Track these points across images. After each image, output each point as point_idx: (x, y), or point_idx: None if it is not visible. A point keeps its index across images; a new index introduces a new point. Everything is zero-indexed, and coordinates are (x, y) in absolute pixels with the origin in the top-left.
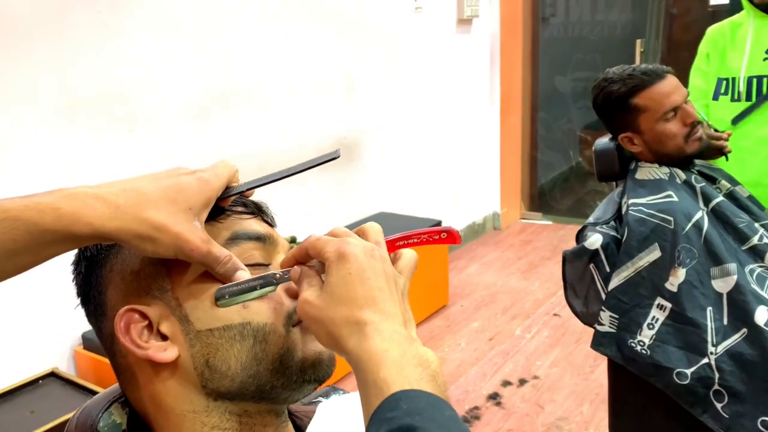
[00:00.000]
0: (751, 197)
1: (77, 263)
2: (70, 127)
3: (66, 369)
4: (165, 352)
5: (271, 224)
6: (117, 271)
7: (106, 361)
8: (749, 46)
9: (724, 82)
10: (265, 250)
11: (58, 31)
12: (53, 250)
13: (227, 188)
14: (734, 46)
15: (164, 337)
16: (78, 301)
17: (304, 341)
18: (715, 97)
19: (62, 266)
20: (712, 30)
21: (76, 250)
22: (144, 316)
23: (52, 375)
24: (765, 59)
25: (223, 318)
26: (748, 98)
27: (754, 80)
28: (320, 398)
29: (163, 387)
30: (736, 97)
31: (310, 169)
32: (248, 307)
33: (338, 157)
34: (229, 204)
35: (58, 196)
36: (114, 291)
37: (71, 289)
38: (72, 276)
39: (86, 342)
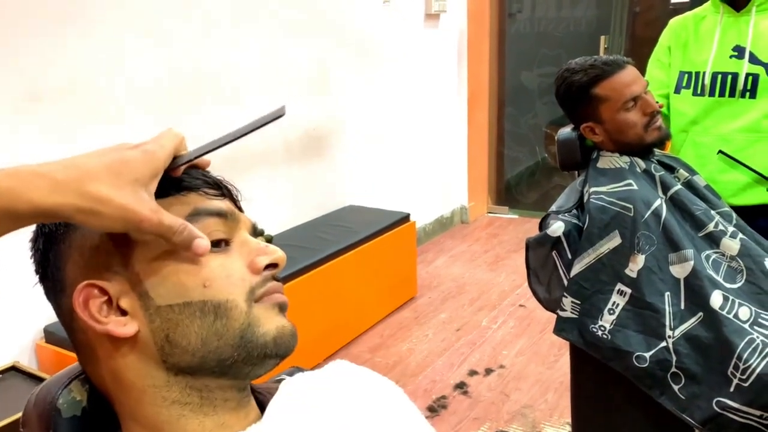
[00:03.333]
0: (708, 186)
1: (35, 239)
2: (32, 119)
3: (27, 363)
4: (124, 327)
5: (238, 206)
6: (76, 247)
7: (69, 354)
8: (716, 41)
9: (686, 76)
10: (227, 226)
11: (15, 19)
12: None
13: (176, 158)
14: (698, 40)
15: (124, 313)
16: (36, 278)
17: (266, 316)
18: (677, 90)
19: (22, 260)
20: (674, 22)
21: (34, 227)
22: (103, 291)
23: (13, 369)
24: (731, 56)
25: (184, 294)
26: (711, 93)
27: (719, 76)
28: (284, 376)
29: (123, 362)
30: (699, 91)
31: (256, 130)
32: (209, 285)
33: (283, 114)
34: (180, 173)
35: (6, 175)
36: (73, 267)
37: (33, 282)
38: (30, 253)
39: (48, 335)
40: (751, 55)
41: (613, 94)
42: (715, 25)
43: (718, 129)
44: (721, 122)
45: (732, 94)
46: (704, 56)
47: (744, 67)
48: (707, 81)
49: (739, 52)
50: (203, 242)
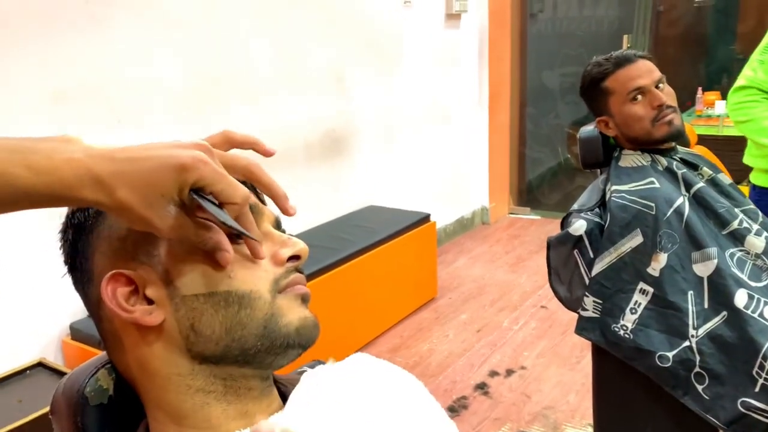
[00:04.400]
0: (732, 184)
1: (65, 231)
2: (58, 117)
3: (54, 359)
4: (151, 316)
5: (261, 199)
6: (104, 237)
7: (94, 351)
8: None
9: None
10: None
11: (45, 20)
12: (32, 206)
13: (202, 194)
14: None
15: (150, 302)
16: (65, 269)
17: (289, 307)
18: None
19: (48, 257)
20: None
21: (63, 218)
22: (130, 280)
23: (40, 365)
24: None
25: (209, 284)
26: None
27: None
28: (305, 368)
29: (149, 350)
30: None
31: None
32: (234, 276)
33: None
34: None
35: (58, 160)
36: (101, 256)
37: (60, 277)
38: (59, 244)
39: (74, 332)
40: None
41: (619, 87)
42: None
43: None
44: None
45: None
46: None
47: None
48: None
49: None
50: (227, 255)
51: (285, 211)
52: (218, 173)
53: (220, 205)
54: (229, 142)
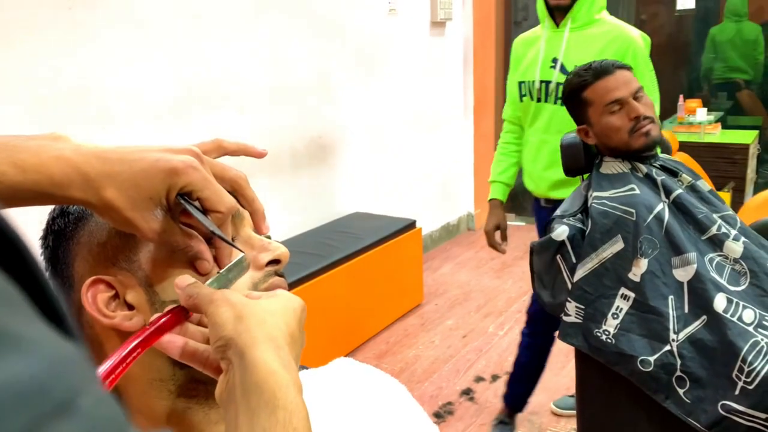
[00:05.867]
0: (711, 191)
1: (45, 237)
2: (40, 125)
3: None
4: (131, 321)
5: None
6: (84, 243)
7: None
8: (542, 53)
9: (523, 85)
10: (232, 224)
11: (28, 27)
12: (18, 205)
13: (188, 197)
14: (533, 53)
15: (131, 307)
16: (46, 275)
17: None
18: (521, 99)
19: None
20: (518, 39)
21: (43, 224)
22: (110, 286)
23: None
24: (550, 66)
25: None
26: (539, 100)
27: (543, 84)
28: None
29: None
30: (531, 97)
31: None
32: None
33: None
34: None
35: (46, 158)
36: (81, 262)
37: None
38: (39, 251)
39: None
40: (562, 66)
41: (597, 98)
42: (545, 39)
43: (540, 131)
44: (543, 124)
45: (547, 100)
46: (534, 66)
47: (555, 77)
48: (535, 88)
49: (554, 63)
50: (206, 264)
51: (259, 230)
52: (207, 180)
53: (205, 212)
54: (220, 149)
